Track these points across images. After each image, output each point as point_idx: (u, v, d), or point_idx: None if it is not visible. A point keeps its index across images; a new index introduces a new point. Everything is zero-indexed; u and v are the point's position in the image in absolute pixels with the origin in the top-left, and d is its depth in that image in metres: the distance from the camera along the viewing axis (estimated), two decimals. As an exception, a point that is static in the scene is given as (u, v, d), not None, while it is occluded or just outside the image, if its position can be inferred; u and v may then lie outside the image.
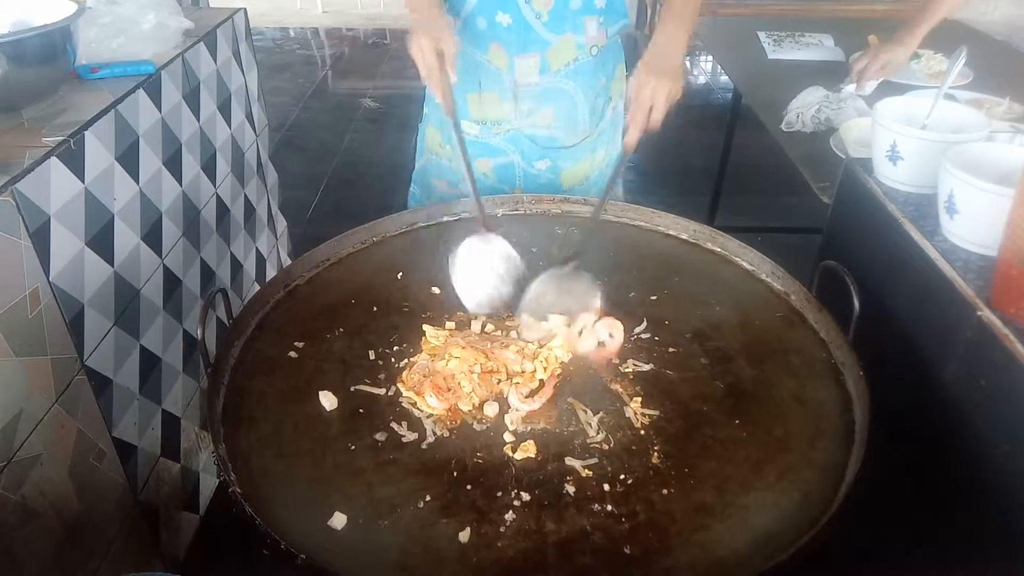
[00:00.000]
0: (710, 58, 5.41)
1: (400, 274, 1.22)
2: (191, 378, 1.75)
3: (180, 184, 1.66)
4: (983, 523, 0.92)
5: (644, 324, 1.11)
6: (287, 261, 2.47)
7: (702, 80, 5.25)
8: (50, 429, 1.23)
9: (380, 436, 0.92)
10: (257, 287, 2.18)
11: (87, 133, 1.30)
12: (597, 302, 1.08)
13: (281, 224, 2.43)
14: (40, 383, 1.20)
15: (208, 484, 1.84)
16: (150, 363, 1.55)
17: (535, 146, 1.57)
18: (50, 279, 1.21)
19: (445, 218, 1.35)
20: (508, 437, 0.92)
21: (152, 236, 1.54)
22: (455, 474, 0.87)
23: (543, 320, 1.07)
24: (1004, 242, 0.91)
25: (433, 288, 1.19)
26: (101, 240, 1.36)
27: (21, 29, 1.37)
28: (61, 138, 1.25)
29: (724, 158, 2.73)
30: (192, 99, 1.72)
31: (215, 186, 1.86)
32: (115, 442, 1.42)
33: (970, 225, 1.01)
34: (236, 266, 2.02)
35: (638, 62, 1.21)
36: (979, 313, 0.93)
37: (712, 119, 4.30)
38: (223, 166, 1.91)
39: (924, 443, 1.03)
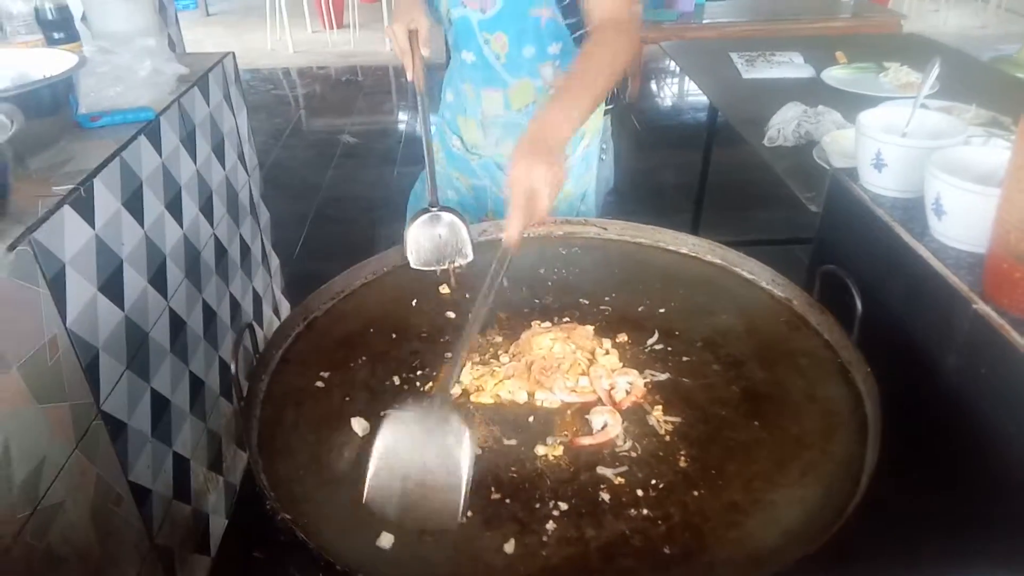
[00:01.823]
0: (678, 80, 5.55)
1: (415, 301, 1.25)
2: (198, 419, 1.75)
3: (181, 226, 1.68)
4: (992, 506, 0.97)
5: (656, 336, 1.15)
6: (281, 299, 2.49)
7: (671, 102, 5.37)
8: (71, 475, 1.24)
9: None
10: (255, 324, 2.19)
11: (95, 180, 1.33)
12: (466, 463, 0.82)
13: (274, 262, 2.45)
14: (61, 430, 1.21)
15: (218, 525, 1.84)
16: (161, 405, 1.56)
17: (503, 174, 1.62)
18: (67, 325, 1.23)
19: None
20: (540, 451, 0.96)
21: (158, 279, 1.56)
22: (492, 489, 0.90)
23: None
24: (993, 238, 0.96)
25: (448, 313, 1.22)
26: (112, 285, 1.38)
27: (25, 82, 1.40)
28: (71, 186, 1.27)
29: (703, 175, 2.81)
30: (189, 142, 1.75)
31: (213, 227, 1.88)
32: (131, 486, 1.43)
33: (958, 225, 1.07)
34: (235, 305, 2.04)
35: (517, 144, 1.07)
36: (975, 306, 0.98)
37: (686, 138, 4.41)
38: (219, 207, 1.93)
39: (931, 433, 1.08)
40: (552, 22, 1.44)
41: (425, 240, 1.29)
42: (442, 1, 1.48)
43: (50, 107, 1.41)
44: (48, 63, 1.46)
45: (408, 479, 0.81)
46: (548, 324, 1.18)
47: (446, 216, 1.28)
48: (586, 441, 0.97)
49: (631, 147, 4.48)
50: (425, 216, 1.28)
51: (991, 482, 0.97)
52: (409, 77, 1.28)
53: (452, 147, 1.69)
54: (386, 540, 0.84)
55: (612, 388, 1.05)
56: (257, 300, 2.23)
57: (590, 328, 1.15)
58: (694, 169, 2.95)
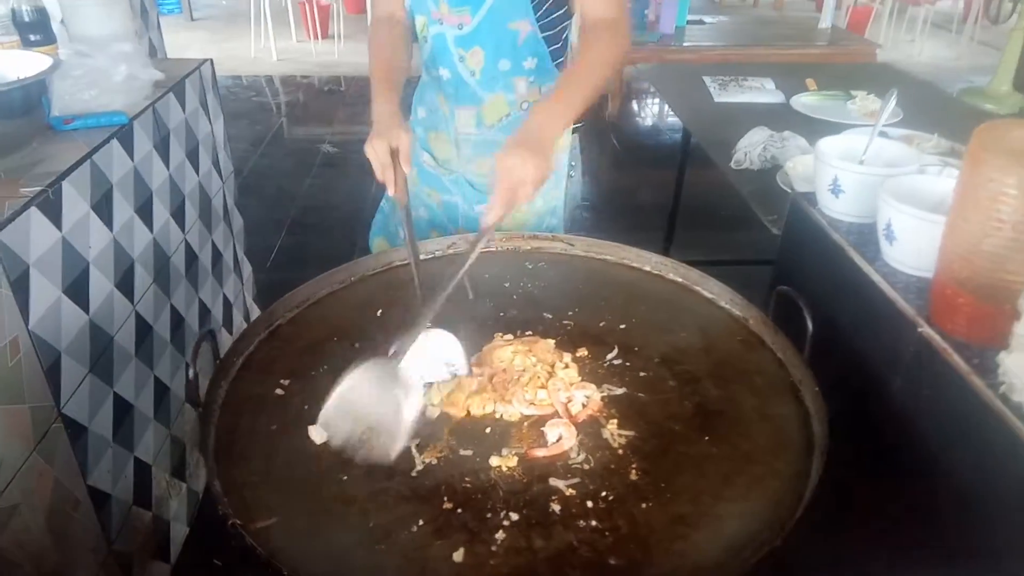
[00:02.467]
0: (658, 100, 5.62)
1: (380, 311, 1.26)
2: (162, 425, 1.74)
3: (151, 231, 1.68)
4: (932, 525, 0.99)
5: (615, 351, 1.17)
6: (253, 306, 2.49)
7: (651, 122, 5.44)
8: (28, 478, 1.23)
9: (370, 467, 0.95)
10: (224, 332, 2.19)
11: (64, 183, 1.33)
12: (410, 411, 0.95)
13: (247, 269, 2.45)
14: (19, 431, 1.21)
15: (179, 532, 1.83)
16: (123, 410, 1.55)
17: (474, 192, 1.65)
18: (29, 327, 1.23)
19: (421, 256, 1.40)
20: (494, 462, 0.97)
21: (125, 283, 1.56)
22: (445, 499, 0.91)
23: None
24: (939, 264, 1.00)
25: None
26: (77, 288, 1.37)
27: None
28: (39, 188, 1.27)
29: (676, 195, 2.85)
30: (162, 148, 1.75)
31: (184, 232, 1.88)
32: (90, 490, 1.42)
33: (907, 250, 1.11)
34: (204, 311, 2.03)
35: (510, 137, 1.14)
36: (920, 329, 1.01)
37: (662, 159, 4.47)
38: (191, 213, 1.93)
39: (879, 452, 1.11)
40: (531, 36, 1.47)
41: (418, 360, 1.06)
42: (418, 20, 1.50)
43: (22, 109, 1.41)
44: (22, 65, 1.46)
45: (359, 422, 0.95)
46: (510, 336, 1.20)
47: (439, 333, 1.11)
48: (540, 453, 0.99)
49: (609, 165, 4.53)
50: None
51: (931, 502, 1.00)
52: (390, 192, 1.25)
53: (424, 164, 1.71)
54: (337, 547, 0.84)
55: (569, 401, 1.07)
56: (227, 306, 2.23)
57: (551, 342, 1.17)
58: (670, 189, 3.00)
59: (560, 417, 1.04)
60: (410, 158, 1.26)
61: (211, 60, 2.10)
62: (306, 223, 3.65)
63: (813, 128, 1.90)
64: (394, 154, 1.25)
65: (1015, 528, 0.86)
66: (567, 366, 1.13)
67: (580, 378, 1.11)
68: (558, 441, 1.00)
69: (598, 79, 1.26)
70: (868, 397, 1.13)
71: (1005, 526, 0.87)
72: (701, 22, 4.68)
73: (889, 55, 6.60)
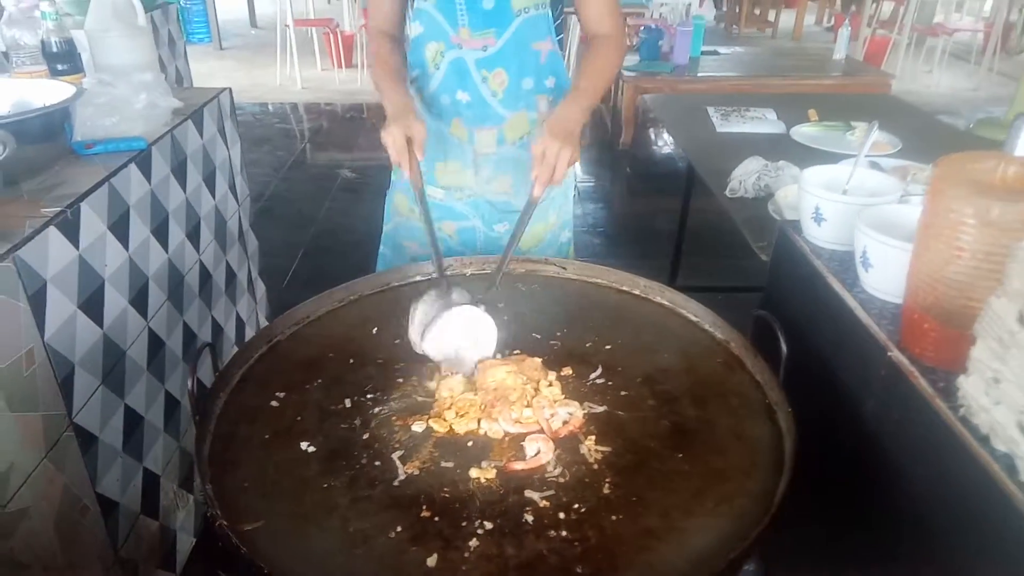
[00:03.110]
0: (673, 129, 5.67)
1: (375, 329, 1.32)
2: (172, 437, 1.81)
3: (166, 251, 1.76)
4: (900, 543, 1.02)
5: (599, 370, 1.21)
6: (265, 324, 2.56)
7: (666, 150, 5.50)
8: (39, 483, 1.29)
9: (354, 475, 1.00)
10: (236, 349, 2.26)
11: (83, 204, 1.41)
12: (492, 344, 1.21)
13: (260, 289, 2.52)
14: (31, 438, 1.27)
15: (185, 543, 1.88)
16: (134, 421, 1.62)
17: (494, 210, 1.70)
18: (44, 340, 1.30)
19: (418, 277, 1.46)
20: (473, 473, 1.01)
21: (139, 300, 1.63)
22: (424, 507, 0.95)
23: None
24: (907, 291, 1.03)
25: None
26: (92, 303, 1.44)
27: (24, 110, 1.49)
28: (59, 209, 1.35)
29: (682, 222, 2.89)
30: (179, 172, 1.83)
31: (199, 253, 1.96)
32: (99, 498, 1.48)
33: (882, 277, 1.14)
34: (217, 329, 2.10)
35: (543, 126, 1.34)
36: (889, 354, 1.04)
37: (675, 187, 4.50)
38: (207, 234, 2.01)
39: (852, 474, 1.14)
40: (552, 54, 1.55)
41: (448, 332, 1.22)
42: (429, 47, 1.55)
43: (46, 134, 1.50)
44: (48, 93, 1.56)
45: (452, 344, 1.21)
46: (499, 356, 1.24)
47: (459, 297, 1.26)
48: (519, 466, 1.03)
49: (622, 192, 4.58)
50: (435, 293, 1.26)
51: (898, 524, 1.02)
52: (406, 175, 1.38)
53: (429, 198, 1.71)
54: (318, 550, 0.89)
55: (552, 417, 1.10)
56: (240, 325, 2.30)
57: (538, 360, 1.21)
58: (687, 216, 3.04)
59: (542, 433, 1.08)
60: (423, 146, 1.36)
61: (230, 89, 2.20)
62: (322, 246, 3.74)
63: (811, 158, 1.94)
64: (409, 141, 1.34)
65: (971, 548, 0.88)
66: (551, 384, 1.17)
67: (563, 395, 1.15)
68: (536, 455, 1.04)
69: (607, 82, 1.50)
70: (844, 419, 1.15)
71: (962, 548, 0.90)
72: (716, 53, 4.75)
73: (907, 86, 6.63)
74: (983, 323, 0.85)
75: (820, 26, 9.64)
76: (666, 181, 4.82)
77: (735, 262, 3.24)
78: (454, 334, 1.20)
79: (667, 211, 3.86)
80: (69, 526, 1.38)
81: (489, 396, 1.14)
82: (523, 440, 1.07)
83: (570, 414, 1.11)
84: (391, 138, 1.33)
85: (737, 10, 9.27)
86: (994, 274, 0.87)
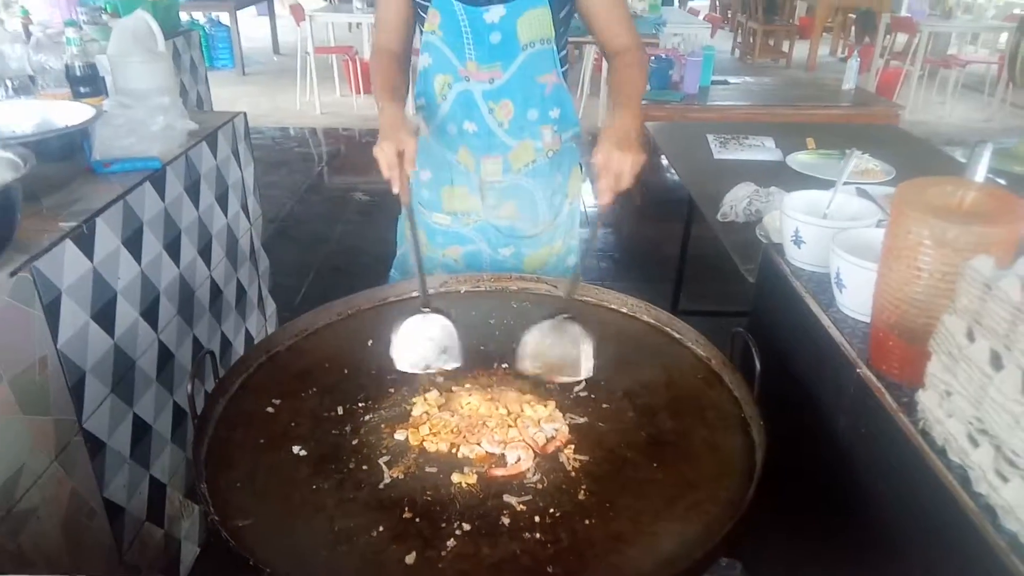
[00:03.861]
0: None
1: (370, 342, 1.37)
2: (178, 447, 1.86)
3: (178, 266, 1.83)
4: (869, 554, 1.05)
5: (583, 384, 1.26)
6: (274, 341, 2.62)
7: (675, 177, 5.55)
8: (48, 485, 1.35)
9: (342, 478, 1.06)
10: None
11: (98, 219, 1.48)
12: (590, 350, 1.22)
13: (270, 306, 2.59)
14: (42, 441, 1.33)
15: (189, 552, 1.93)
16: (141, 430, 1.68)
17: (500, 235, 1.76)
18: (58, 347, 1.36)
19: (414, 293, 1.52)
20: (455, 478, 1.06)
21: (150, 313, 1.70)
22: (406, 509, 1.00)
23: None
24: (873, 309, 1.07)
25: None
26: (104, 314, 1.52)
27: (45, 130, 1.58)
28: (75, 223, 1.43)
29: (683, 247, 2.94)
30: (193, 191, 1.91)
31: (210, 269, 2.03)
32: (105, 503, 1.53)
33: (855, 297, 1.18)
34: (226, 343, 2.17)
35: (602, 140, 1.33)
36: (858, 371, 1.08)
37: (682, 212, 4.55)
38: (218, 251, 2.09)
39: (827, 487, 1.17)
40: (557, 87, 1.60)
41: (415, 342, 1.27)
42: (437, 79, 1.60)
43: (66, 153, 1.58)
44: (70, 114, 1.65)
45: (429, 349, 1.26)
46: (485, 373, 1.29)
47: (437, 319, 1.28)
48: (499, 473, 1.07)
49: (632, 218, 4.63)
50: (417, 317, 1.27)
51: (868, 536, 1.06)
52: (395, 190, 1.36)
53: (435, 224, 1.79)
54: (303, 546, 0.94)
55: (536, 434, 1.14)
56: (250, 340, 2.37)
57: (515, 393, 1.23)
58: (689, 241, 3.09)
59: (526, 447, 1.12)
60: (414, 160, 1.37)
61: (244, 113, 2.29)
62: (334, 266, 3.82)
63: (804, 185, 1.98)
64: (400, 156, 1.35)
65: (932, 560, 0.91)
66: (532, 405, 1.20)
67: (548, 413, 1.19)
68: (516, 462, 1.08)
69: (642, 90, 1.54)
70: (820, 435, 1.19)
71: (922, 559, 0.93)
72: (725, 82, 4.81)
73: (919, 116, 6.66)
74: (936, 339, 0.89)
75: (835, 57, 9.72)
76: (674, 207, 4.85)
77: (736, 286, 3.29)
78: (418, 344, 1.25)
79: (674, 237, 3.90)
80: (75, 529, 1.44)
81: (464, 422, 1.17)
82: (504, 450, 1.11)
83: (556, 430, 1.15)
84: (382, 153, 1.35)
85: (751, 40, 9.38)
86: (950, 293, 0.91)
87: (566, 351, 1.23)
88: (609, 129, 1.36)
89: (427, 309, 1.27)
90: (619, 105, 1.45)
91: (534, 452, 1.11)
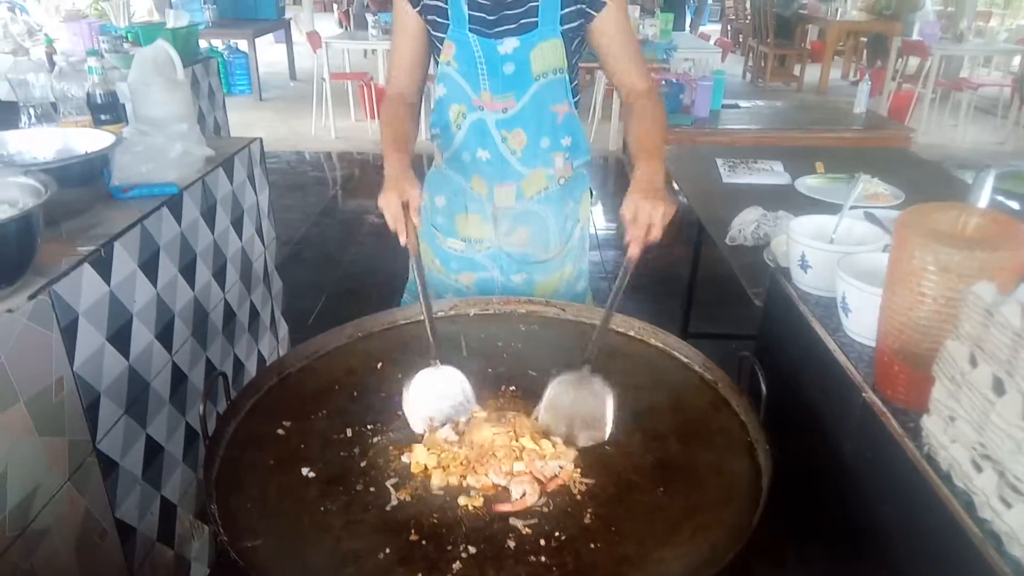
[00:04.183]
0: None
1: (380, 364, 1.39)
2: (190, 468, 1.88)
3: (193, 289, 1.86)
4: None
5: (590, 408, 1.26)
6: (286, 363, 2.65)
7: (684, 200, 5.56)
8: (61, 505, 1.37)
9: (350, 500, 1.07)
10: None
11: (116, 244, 1.52)
12: (611, 404, 1.21)
13: (283, 329, 2.62)
14: (56, 461, 1.35)
15: (199, 573, 1.94)
16: (154, 451, 1.70)
17: (512, 261, 1.78)
18: (74, 369, 1.39)
19: (422, 317, 1.53)
20: (462, 501, 1.07)
21: (164, 335, 1.73)
22: (412, 531, 1.01)
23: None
24: (879, 334, 1.08)
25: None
26: (120, 337, 1.54)
27: (66, 156, 1.62)
28: (93, 248, 1.46)
29: (693, 271, 2.94)
30: (208, 215, 1.95)
31: (224, 292, 2.06)
32: (117, 523, 1.55)
33: (860, 322, 1.19)
34: (239, 365, 2.19)
35: (630, 192, 1.34)
36: (864, 395, 1.09)
37: (691, 234, 4.56)
38: (232, 274, 2.12)
39: (833, 511, 1.17)
40: (568, 116, 1.63)
41: (427, 400, 1.25)
42: (451, 109, 1.63)
43: (86, 178, 1.63)
44: (90, 140, 1.69)
45: (441, 407, 1.25)
46: (494, 399, 1.29)
47: (449, 371, 1.27)
48: (504, 508, 1.06)
49: (643, 241, 4.64)
50: (428, 371, 1.26)
51: (873, 563, 1.05)
52: (402, 242, 1.36)
53: (449, 249, 1.81)
54: (311, 567, 0.95)
55: (543, 468, 1.13)
56: (262, 362, 2.39)
57: (528, 420, 1.23)
58: (699, 265, 3.10)
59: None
60: (420, 211, 1.38)
61: (260, 139, 2.33)
62: (347, 289, 3.85)
63: (812, 209, 1.99)
64: (405, 207, 1.35)
65: (937, 582, 0.91)
66: (539, 440, 1.18)
67: (555, 449, 1.17)
68: (522, 498, 1.08)
69: (664, 135, 1.54)
70: (827, 459, 1.19)
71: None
72: (736, 106, 4.84)
73: (932, 140, 6.65)
74: (940, 364, 0.89)
75: (846, 80, 9.75)
76: (683, 230, 4.88)
77: (746, 310, 3.29)
78: (430, 402, 1.23)
79: (683, 260, 3.91)
80: (88, 548, 1.45)
81: (474, 452, 1.15)
82: (510, 483, 1.11)
83: (560, 467, 1.14)
84: (387, 204, 1.35)
85: (763, 64, 9.43)
86: (954, 319, 0.92)
87: (590, 414, 1.21)
88: (636, 181, 1.37)
89: (436, 362, 1.26)
90: (643, 156, 1.45)
91: (539, 484, 1.11)
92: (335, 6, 11.93)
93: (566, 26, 1.51)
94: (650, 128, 1.51)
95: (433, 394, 1.24)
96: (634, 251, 1.30)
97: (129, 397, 1.58)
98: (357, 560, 0.97)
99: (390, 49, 1.69)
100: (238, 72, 8.45)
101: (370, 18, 6.94)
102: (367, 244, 4.47)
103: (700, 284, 3.11)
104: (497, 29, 1.52)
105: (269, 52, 10.20)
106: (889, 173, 2.38)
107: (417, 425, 1.22)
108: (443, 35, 1.54)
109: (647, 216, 1.30)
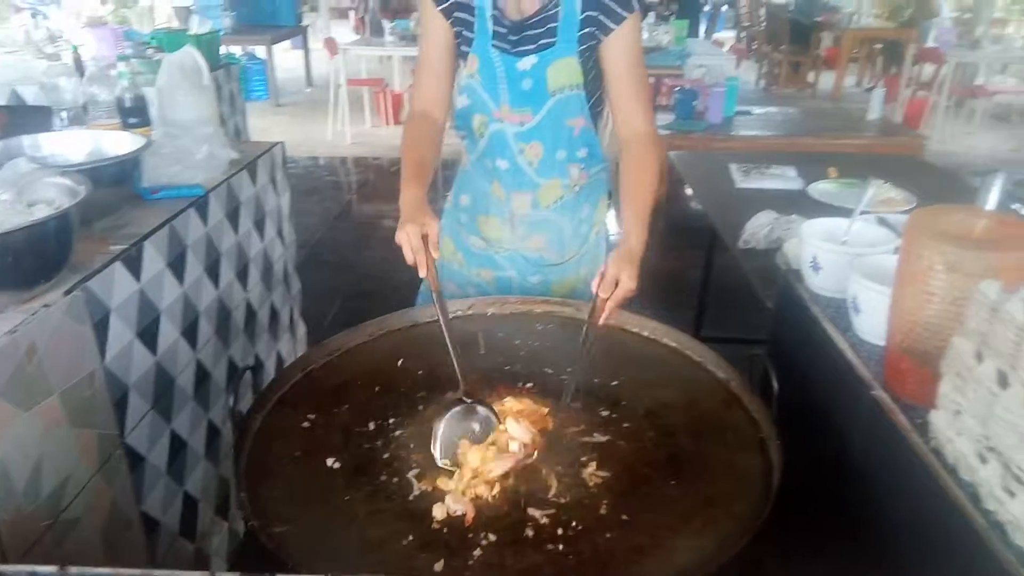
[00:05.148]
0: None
1: (401, 360, 1.43)
2: (211, 464, 1.93)
3: (217, 288, 1.91)
4: (879, 568, 1.07)
5: (605, 404, 1.30)
6: (304, 362, 2.69)
7: (699, 205, 5.58)
8: (91, 496, 1.41)
9: (374, 490, 1.10)
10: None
11: (146, 243, 1.57)
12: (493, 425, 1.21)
13: (301, 329, 2.67)
14: (87, 454, 1.40)
15: (218, 567, 1.98)
16: (178, 445, 1.74)
17: (528, 264, 1.82)
18: (105, 363, 1.44)
19: (469, 311, 1.58)
20: (482, 491, 1.10)
21: (189, 332, 1.78)
22: (434, 519, 1.05)
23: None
24: (888, 333, 1.11)
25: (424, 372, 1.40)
26: (148, 333, 1.59)
27: (98, 158, 1.68)
28: (125, 246, 1.51)
29: (705, 275, 2.97)
30: (233, 217, 2.00)
31: (246, 291, 2.11)
32: (142, 515, 1.59)
33: (871, 321, 1.22)
34: (259, 364, 2.24)
35: (613, 260, 1.40)
36: (873, 392, 1.12)
37: (706, 240, 4.58)
38: (254, 275, 2.17)
39: (844, 507, 1.19)
40: (584, 129, 1.67)
41: (455, 435, 1.20)
42: (475, 118, 1.68)
43: (117, 180, 1.67)
44: (120, 143, 1.74)
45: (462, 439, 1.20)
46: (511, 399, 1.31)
47: (480, 410, 1.23)
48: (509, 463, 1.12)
49: (655, 246, 4.65)
50: (458, 409, 1.22)
51: (881, 555, 1.08)
52: (422, 274, 1.37)
53: (471, 246, 1.86)
54: (337, 552, 0.99)
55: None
56: (281, 361, 2.44)
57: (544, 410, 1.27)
58: (711, 269, 3.13)
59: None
60: (438, 244, 1.39)
61: (282, 143, 2.38)
62: (363, 291, 3.91)
63: (825, 213, 1.98)
64: (424, 239, 1.37)
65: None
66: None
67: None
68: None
69: (654, 192, 1.57)
70: (837, 456, 1.22)
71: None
72: (749, 113, 4.86)
73: (946, 147, 6.64)
74: (947, 360, 0.92)
75: (861, 87, 9.73)
76: (698, 236, 4.88)
77: (758, 314, 3.31)
78: (460, 440, 1.20)
79: (696, 264, 3.93)
80: (115, 539, 1.50)
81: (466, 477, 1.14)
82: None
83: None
84: (406, 237, 1.35)
85: (777, 71, 9.44)
86: (961, 317, 0.95)
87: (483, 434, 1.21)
88: (620, 248, 1.43)
89: (468, 400, 1.23)
90: (630, 220, 1.49)
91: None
92: (351, 13, 12.04)
93: (583, 45, 1.55)
94: (641, 184, 1.54)
95: (463, 431, 1.20)
96: (597, 318, 1.35)
97: (156, 392, 1.63)
98: (381, 546, 1.00)
99: (418, 61, 1.73)
100: (255, 78, 8.56)
101: (386, 24, 7.01)
102: (383, 248, 4.52)
103: (712, 289, 3.14)
104: (518, 48, 1.56)
105: (286, 58, 10.32)
106: (902, 179, 2.39)
107: (439, 456, 1.18)
108: (468, 48, 1.59)
109: (627, 284, 1.36)
